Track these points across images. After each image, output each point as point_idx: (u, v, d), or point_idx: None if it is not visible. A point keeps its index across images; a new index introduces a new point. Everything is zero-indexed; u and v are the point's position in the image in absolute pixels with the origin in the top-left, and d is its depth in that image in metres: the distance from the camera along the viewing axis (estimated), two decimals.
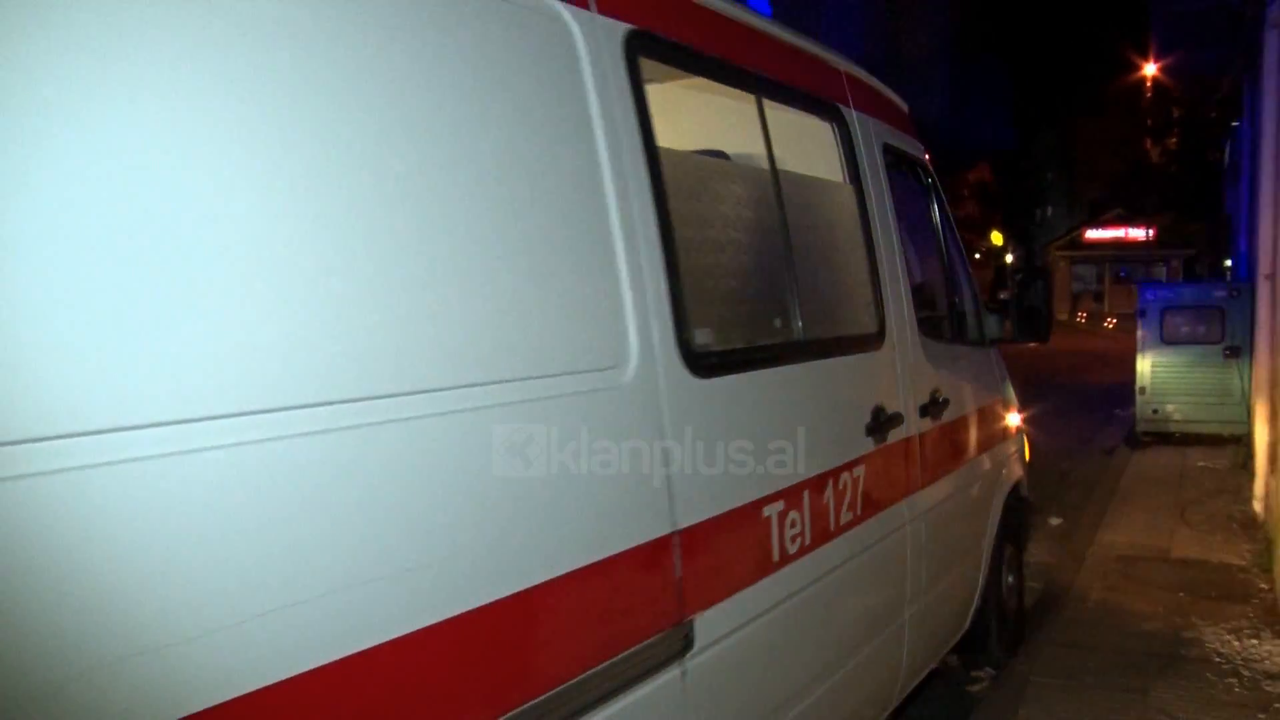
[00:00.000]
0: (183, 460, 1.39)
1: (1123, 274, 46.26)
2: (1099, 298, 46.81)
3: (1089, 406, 15.54)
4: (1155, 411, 12.34)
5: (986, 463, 4.76)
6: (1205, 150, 28.50)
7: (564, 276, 2.13)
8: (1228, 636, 5.52)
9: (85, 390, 1.31)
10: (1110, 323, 39.61)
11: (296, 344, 1.57)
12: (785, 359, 3.01)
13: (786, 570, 2.83)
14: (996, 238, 47.56)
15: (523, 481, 1.95)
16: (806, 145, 3.47)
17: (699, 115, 2.80)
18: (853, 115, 3.71)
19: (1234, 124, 17.57)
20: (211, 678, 1.41)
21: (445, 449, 1.81)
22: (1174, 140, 34.10)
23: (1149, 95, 33.47)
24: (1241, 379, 11.42)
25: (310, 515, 1.56)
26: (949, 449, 4.24)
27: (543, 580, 1.97)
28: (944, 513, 4.13)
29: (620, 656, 2.15)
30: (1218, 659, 5.22)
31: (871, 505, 3.41)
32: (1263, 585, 6.44)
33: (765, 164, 3.08)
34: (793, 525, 2.87)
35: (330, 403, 1.60)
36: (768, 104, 3.11)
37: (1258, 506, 8.20)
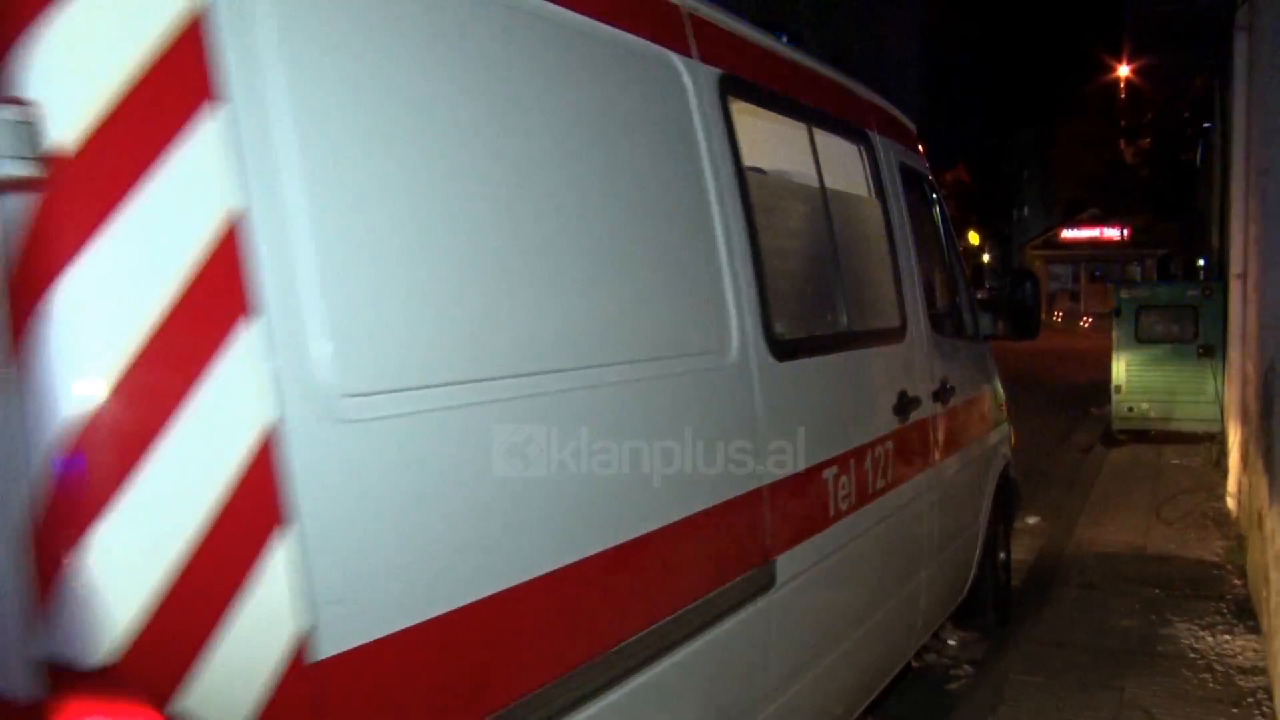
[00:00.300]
0: (459, 411, 1.91)
1: (1098, 273, 46.63)
2: (1075, 297, 47.16)
3: (1065, 405, 15.65)
4: (1130, 410, 12.45)
5: (983, 445, 5.28)
6: (1178, 151, 28.77)
7: (689, 279, 2.69)
8: (1202, 632, 5.60)
9: (411, 356, 1.82)
10: (1086, 322, 39.91)
11: (527, 329, 2.10)
12: (838, 347, 3.60)
13: (839, 525, 3.37)
14: (973, 237, 47.83)
15: (659, 437, 2.44)
16: (843, 165, 4.01)
17: (757, 137, 3.25)
18: (877, 139, 4.32)
19: (1206, 125, 17.76)
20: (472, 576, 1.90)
21: (614, 409, 2.32)
22: (1148, 141, 34.42)
23: (1123, 97, 33.79)
24: (1215, 377, 11.54)
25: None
26: (956, 431, 4.76)
27: (676, 519, 2.47)
28: (951, 487, 4.67)
29: (727, 586, 2.66)
30: (1192, 654, 5.29)
31: (898, 475, 3.96)
32: (1236, 581, 6.52)
33: (815, 182, 3.63)
34: (843, 487, 3.40)
35: (543, 372, 2.11)
36: (816, 131, 3.69)
37: (1231, 503, 8.30)
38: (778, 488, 2.93)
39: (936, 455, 4.44)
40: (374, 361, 1.74)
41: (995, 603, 5.61)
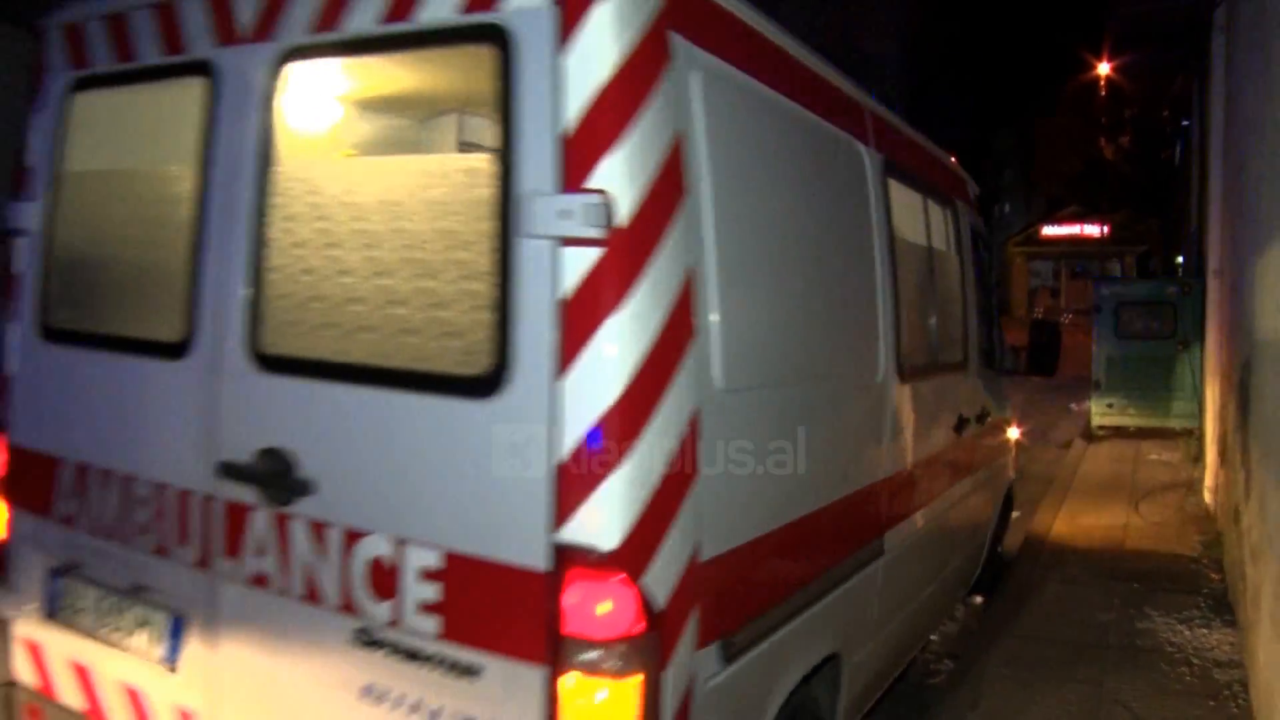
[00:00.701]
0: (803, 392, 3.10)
1: (1079, 270, 46.85)
2: (1055, 294, 47.35)
3: (1046, 401, 15.75)
4: (1110, 405, 12.55)
5: (1000, 461, 6.17)
6: (1157, 149, 28.95)
7: (866, 318, 3.61)
8: (1179, 626, 5.66)
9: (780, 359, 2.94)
10: (1066, 318, 40.09)
11: (804, 353, 3.14)
12: (931, 374, 4.46)
13: (918, 513, 4.21)
14: None
15: (849, 433, 3.48)
16: (940, 227, 4.91)
17: (897, 207, 4.03)
18: (960, 205, 5.33)
19: (1184, 123, 17.88)
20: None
21: (835, 409, 3.37)
22: (1127, 139, 34.60)
23: (1103, 95, 33.94)
24: (1193, 373, 11.65)
25: (802, 432, 3.00)
26: (986, 449, 5.63)
27: (851, 491, 3.41)
28: (977, 492, 5.52)
29: (861, 549, 3.55)
30: (1170, 648, 5.34)
31: (952, 479, 4.83)
32: (1213, 575, 6.59)
33: (924, 241, 4.53)
34: (923, 485, 4.26)
35: (807, 380, 3.13)
36: (928, 200, 4.65)
37: (1209, 498, 8.38)
38: (890, 480, 3.79)
39: (974, 466, 5.30)
40: (736, 372, 2.58)
41: (991, 586, 6.49)
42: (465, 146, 3.85)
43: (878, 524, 3.70)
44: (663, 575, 2.25)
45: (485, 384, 2.27)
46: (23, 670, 3.25)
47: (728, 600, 2.56)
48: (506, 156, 2.26)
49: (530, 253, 2.22)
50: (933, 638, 5.85)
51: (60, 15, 3.27)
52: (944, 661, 5.54)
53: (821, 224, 3.31)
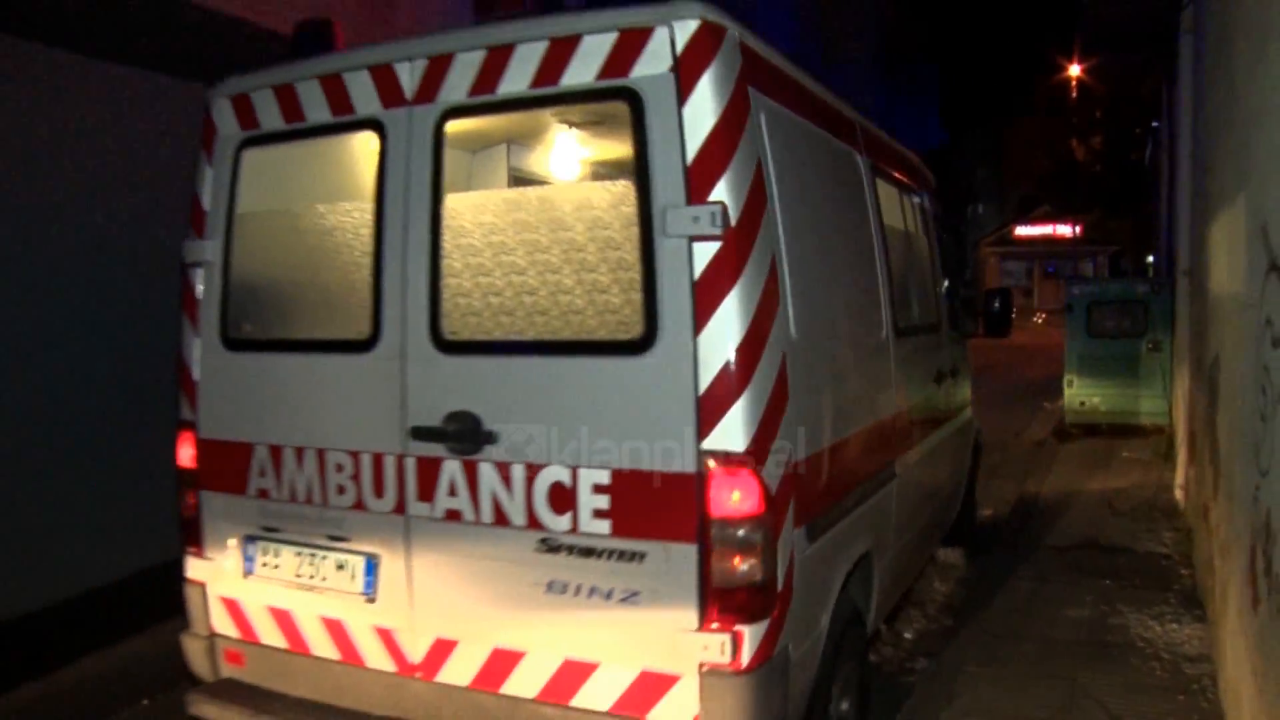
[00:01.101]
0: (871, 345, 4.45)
1: (1051, 270, 47.24)
2: (1028, 293, 47.73)
3: (1019, 399, 15.87)
4: (1083, 404, 12.65)
5: (966, 411, 7.09)
6: (1128, 150, 29.23)
7: (873, 287, 4.53)
8: (1151, 622, 5.72)
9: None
10: (1040, 317, 40.43)
11: (840, 315, 4.08)
12: (919, 333, 5.48)
13: (915, 447, 5.15)
14: None
15: (875, 377, 4.51)
16: (913, 214, 5.90)
17: (882, 199, 4.93)
18: (925, 195, 6.34)
19: (1154, 124, 18.06)
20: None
21: (862, 357, 4.34)
22: (1098, 140, 34.92)
23: (1074, 96, 34.23)
24: (1164, 372, 11.76)
25: (847, 374, 4.10)
26: (958, 400, 6.67)
27: (877, 420, 4.42)
28: (955, 435, 6.46)
29: (884, 469, 4.52)
30: (1141, 644, 5.40)
31: (935, 423, 5.75)
32: (1184, 571, 6.67)
33: (903, 225, 5.53)
34: (917, 424, 5.21)
35: (843, 337, 4.07)
36: (903, 195, 5.63)
37: (1179, 495, 8.47)
38: (895, 418, 4.72)
39: (950, 414, 6.26)
40: (804, 328, 3.45)
41: (968, 528, 7.33)
42: (514, 170, 4.81)
43: (890, 451, 4.65)
44: (773, 472, 3.12)
45: (639, 345, 3.12)
46: (221, 624, 4.01)
47: (808, 495, 3.42)
48: (645, 180, 3.12)
49: (670, 248, 3.08)
50: (907, 634, 5.91)
51: (226, 87, 4.01)
52: (919, 660, 5.58)
53: (840, 217, 4.27)
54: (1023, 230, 47.41)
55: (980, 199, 53.26)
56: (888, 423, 4.57)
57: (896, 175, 5.49)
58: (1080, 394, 12.64)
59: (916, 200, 6.02)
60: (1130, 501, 8.79)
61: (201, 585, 4.05)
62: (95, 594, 5.60)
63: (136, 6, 5.12)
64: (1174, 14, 8.41)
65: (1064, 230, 45.48)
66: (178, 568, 4.10)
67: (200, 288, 4.05)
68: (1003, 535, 7.87)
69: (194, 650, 4.08)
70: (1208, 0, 6.51)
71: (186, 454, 4.10)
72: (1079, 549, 7.33)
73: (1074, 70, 28.79)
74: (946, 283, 6.54)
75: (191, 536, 4.08)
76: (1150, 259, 24.38)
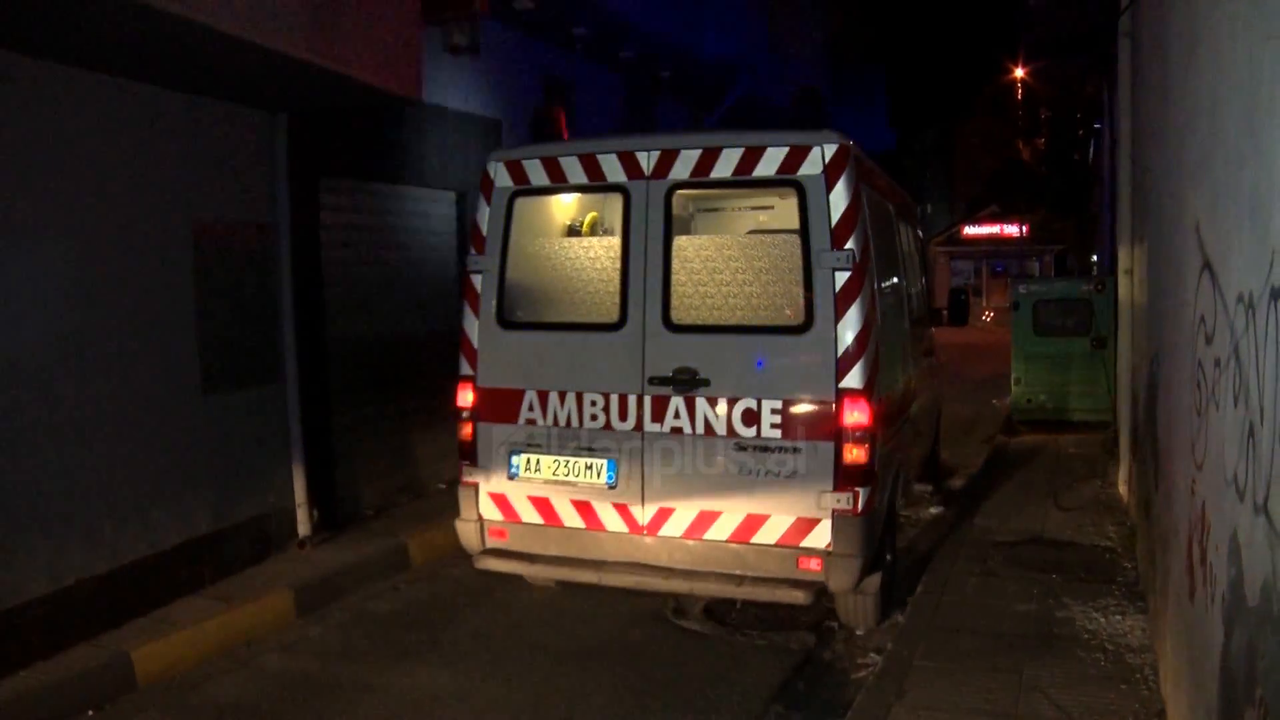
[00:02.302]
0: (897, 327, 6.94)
1: (998, 269, 47.88)
2: (978, 292, 48.32)
3: (968, 397, 16.06)
4: (1029, 400, 12.86)
5: (937, 379, 9.60)
6: (1071, 151, 29.72)
7: (903, 290, 7.35)
8: (1095, 614, 5.83)
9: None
10: (988, 316, 41.00)
11: (889, 308, 6.57)
12: (919, 322, 8.19)
13: (917, 399, 7.46)
14: None
15: (911, 349, 7.48)
16: (903, 227, 7.83)
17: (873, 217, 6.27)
18: (912, 219, 8.78)
19: (1096, 126, 18.39)
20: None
21: (900, 334, 7.07)
22: (1043, 141, 35.45)
23: (1019, 98, 34.74)
24: (1107, 368, 11.98)
25: (896, 343, 6.75)
26: (935, 372, 9.31)
27: (901, 384, 6.73)
28: (932, 396, 8.96)
29: (906, 411, 6.82)
30: (1086, 635, 5.51)
31: (924, 387, 8.01)
32: (1127, 564, 6.80)
33: (905, 246, 7.80)
34: (919, 384, 7.57)
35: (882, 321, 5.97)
36: (907, 226, 8.11)
37: (1123, 490, 8.64)
38: (910, 380, 7.02)
39: (931, 382, 8.75)
40: (882, 319, 5.74)
41: (934, 468, 9.83)
42: (603, 227, 6.72)
43: (909, 401, 7.00)
44: (875, 402, 5.35)
45: (802, 329, 5.40)
46: (488, 510, 6.08)
47: (886, 419, 5.72)
48: (806, 234, 5.40)
49: (821, 275, 5.36)
50: (859, 632, 5.97)
51: (501, 154, 6.21)
52: (870, 655, 5.65)
53: (888, 248, 6.67)
54: (971, 230, 47.97)
55: (929, 199, 53.86)
56: (909, 384, 7.08)
57: (904, 213, 8.08)
58: (1027, 391, 12.84)
59: (908, 224, 8.35)
60: (1075, 496, 8.95)
61: (474, 485, 6.11)
62: (35, 605, 5.50)
63: None
64: (1113, 18, 8.58)
65: (1011, 230, 46.06)
66: (122, 580, 4.13)
67: (479, 287, 6.12)
68: (950, 532, 7.98)
69: (466, 530, 6.15)
70: (1144, 6, 6.66)
71: (467, 398, 6.15)
72: (1026, 544, 7.45)
73: (1019, 73, 29.24)
74: (923, 282, 9.13)
75: (468, 453, 6.14)
76: (1094, 258, 24.80)
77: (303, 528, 7.58)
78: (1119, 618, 5.76)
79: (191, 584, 6.53)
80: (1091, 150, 22.73)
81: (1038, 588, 6.35)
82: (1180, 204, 4.20)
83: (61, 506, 5.70)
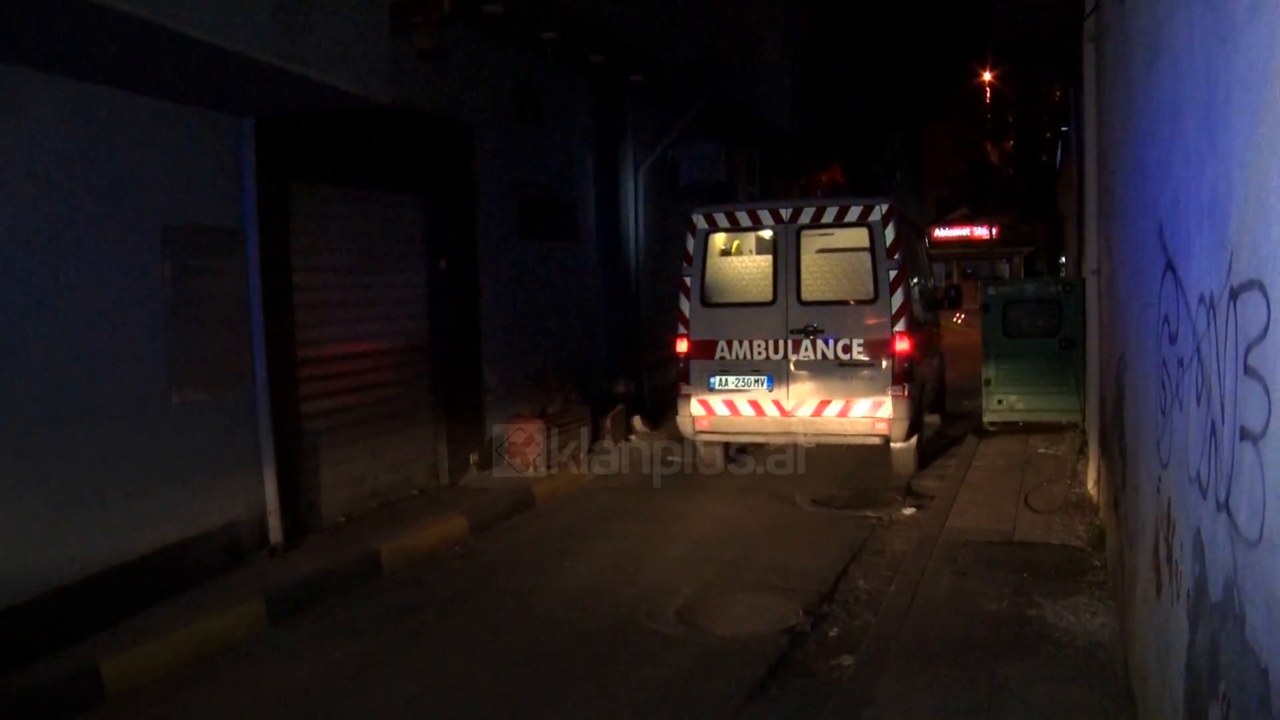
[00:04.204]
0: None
1: (969, 271, 48.28)
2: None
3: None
4: (1000, 402, 12.94)
5: (940, 341, 13.88)
6: (1039, 153, 30.01)
7: (931, 287, 14.54)
8: (1066, 613, 5.88)
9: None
10: (959, 318, 41.27)
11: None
12: (934, 306, 13.87)
13: (929, 346, 12.42)
14: None
15: (934, 327, 13.78)
16: (920, 245, 13.89)
17: (906, 240, 11.27)
18: (925, 237, 18.77)
19: (1063, 129, 18.58)
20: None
21: (934, 320, 14.13)
22: (1011, 144, 35.78)
23: (987, 100, 35.05)
24: (1076, 369, 12.08)
25: (923, 313, 12.21)
26: (938, 334, 13.90)
27: (936, 349, 13.60)
28: (937, 349, 13.48)
29: (929, 353, 12.45)
30: (1057, 634, 5.55)
31: (933, 341, 12.96)
32: (1096, 563, 6.86)
33: (920, 252, 13.71)
34: (936, 342, 13.61)
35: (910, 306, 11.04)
36: (921, 243, 14.63)
37: (1092, 489, 8.72)
38: (927, 333, 11.98)
39: (937, 337, 13.26)
40: (916, 299, 11.45)
41: (941, 405, 13.74)
42: (824, 247, 11.22)
43: (926, 345, 11.55)
44: (910, 339, 10.24)
45: (871, 300, 10.23)
46: (696, 410, 10.71)
47: (915, 350, 10.43)
48: (875, 251, 10.25)
49: (882, 272, 10.22)
50: (832, 632, 6.00)
51: (702, 209, 11.06)
52: (843, 656, 5.67)
53: (914, 256, 11.52)
54: (941, 232, 48.32)
55: (899, 201, 54.20)
56: (927, 335, 11.59)
57: (919, 235, 13.89)
58: (997, 392, 12.92)
59: (921, 243, 14.09)
60: (1046, 496, 9.02)
61: (689, 396, 10.65)
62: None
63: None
64: (1078, 23, 8.67)
65: (981, 232, 46.49)
66: (90, 590, 4.05)
67: (690, 284, 10.72)
68: (922, 533, 8.02)
69: (684, 422, 10.76)
70: (1107, 10, 6.74)
71: (684, 346, 10.65)
72: (997, 544, 7.50)
73: (987, 76, 29.50)
74: (930, 279, 14.23)
75: (685, 377, 10.67)
76: (1063, 260, 25.04)
77: (274, 535, 7.53)
78: (1089, 616, 5.81)
79: (161, 593, 6.47)
80: (1059, 153, 22.96)
81: (1009, 587, 6.39)
82: (1144, 205, 4.25)
83: (25, 514, 5.63)
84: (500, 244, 11.42)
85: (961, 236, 47.86)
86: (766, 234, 10.87)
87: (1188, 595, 2.89)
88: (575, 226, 13.68)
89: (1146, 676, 4.00)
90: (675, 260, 15.59)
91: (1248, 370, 2.16)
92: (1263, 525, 2.02)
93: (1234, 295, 2.29)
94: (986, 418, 13.06)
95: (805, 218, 10.49)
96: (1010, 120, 34.60)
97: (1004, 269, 45.18)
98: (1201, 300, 2.72)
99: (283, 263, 7.82)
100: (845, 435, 10.24)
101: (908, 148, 49.50)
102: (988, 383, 12.97)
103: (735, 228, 10.87)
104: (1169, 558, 3.32)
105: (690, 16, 14.30)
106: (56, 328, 5.87)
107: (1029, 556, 7.11)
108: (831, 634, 6.07)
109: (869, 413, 10.09)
